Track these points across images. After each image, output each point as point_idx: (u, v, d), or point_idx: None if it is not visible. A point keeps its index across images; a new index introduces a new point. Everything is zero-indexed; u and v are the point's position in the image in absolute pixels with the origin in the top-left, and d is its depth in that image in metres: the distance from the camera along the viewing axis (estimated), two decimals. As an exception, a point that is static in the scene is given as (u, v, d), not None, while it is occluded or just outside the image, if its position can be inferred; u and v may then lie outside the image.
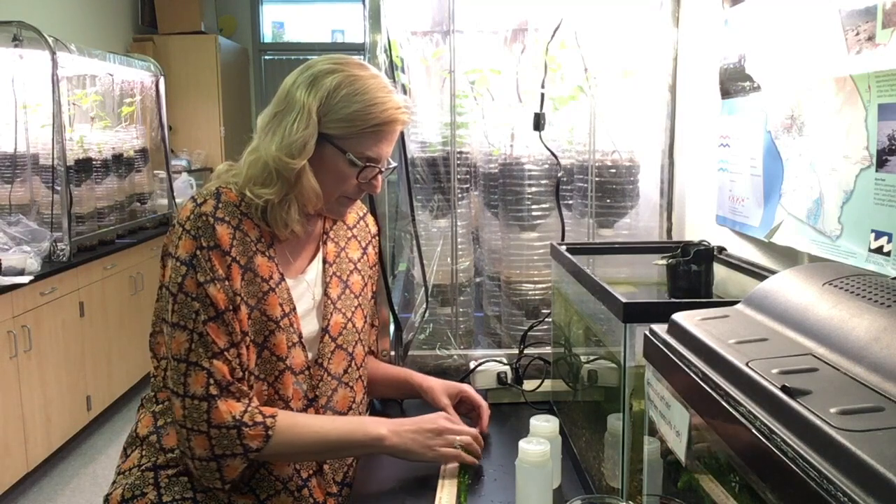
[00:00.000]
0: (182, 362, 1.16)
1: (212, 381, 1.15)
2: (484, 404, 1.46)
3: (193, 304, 1.16)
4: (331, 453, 1.30)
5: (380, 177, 1.30)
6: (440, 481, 1.27)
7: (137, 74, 4.61)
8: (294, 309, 1.27)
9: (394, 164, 1.35)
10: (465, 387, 1.48)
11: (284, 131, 1.21)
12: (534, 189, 1.74)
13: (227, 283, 1.18)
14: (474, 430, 1.34)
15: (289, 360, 1.25)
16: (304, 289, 1.31)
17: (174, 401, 1.18)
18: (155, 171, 4.83)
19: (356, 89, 1.22)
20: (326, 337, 1.32)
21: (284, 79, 1.27)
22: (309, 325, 1.31)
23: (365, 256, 1.44)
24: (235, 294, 1.19)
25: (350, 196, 1.30)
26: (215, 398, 1.15)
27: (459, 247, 1.78)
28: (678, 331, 0.75)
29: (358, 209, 1.46)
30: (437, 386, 1.46)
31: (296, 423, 1.22)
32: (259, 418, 1.18)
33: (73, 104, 3.82)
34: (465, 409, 1.47)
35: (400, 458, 1.28)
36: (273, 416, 1.19)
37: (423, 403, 1.48)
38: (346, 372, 1.35)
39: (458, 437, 1.29)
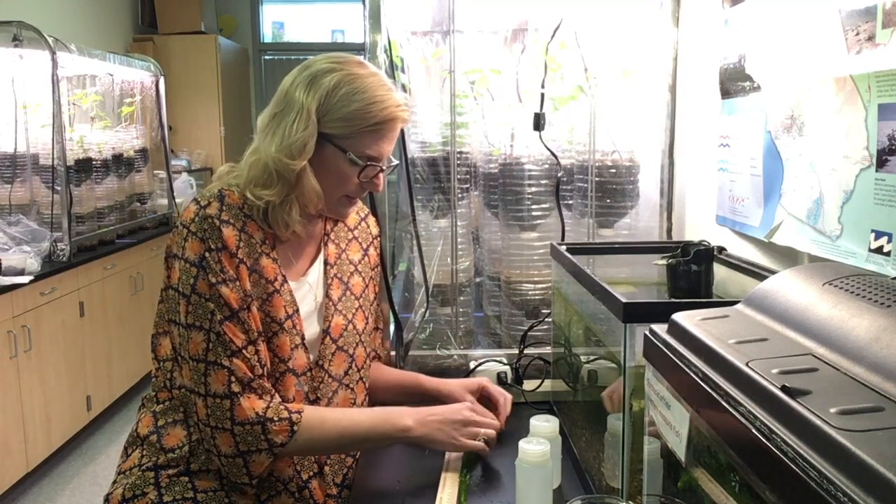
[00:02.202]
0: (201, 362, 1.16)
1: (233, 378, 1.16)
2: (506, 397, 1.45)
3: (208, 304, 1.16)
4: (356, 446, 1.32)
5: (381, 175, 1.29)
6: (442, 476, 1.27)
7: (137, 74, 4.61)
8: (297, 311, 1.27)
9: (395, 163, 1.35)
10: (486, 382, 1.47)
11: (284, 132, 1.20)
12: (534, 189, 1.74)
13: (237, 283, 1.18)
14: (497, 423, 1.36)
15: (291, 361, 1.25)
16: (306, 290, 1.31)
17: (196, 400, 1.18)
18: (155, 171, 4.83)
19: (355, 88, 1.21)
20: (327, 339, 1.32)
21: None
22: (311, 327, 1.31)
23: (366, 258, 1.44)
24: (247, 295, 1.19)
25: (352, 195, 1.30)
26: (238, 395, 1.16)
27: (459, 247, 1.78)
28: (678, 331, 0.75)
29: (359, 210, 1.46)
30: (457, 388, 1.45)
31: (323, 419, 1.23)
32: (284, 414, 1.18)
33: (73, 104, 3.82)
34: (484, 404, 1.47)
35: (424, 447, 1.31)
36: (299, 412, 1.20)
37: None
38: (346, 374, 1.35)
39: (482, 430, 1.31)
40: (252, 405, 1.17)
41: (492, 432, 1.32)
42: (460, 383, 1.47)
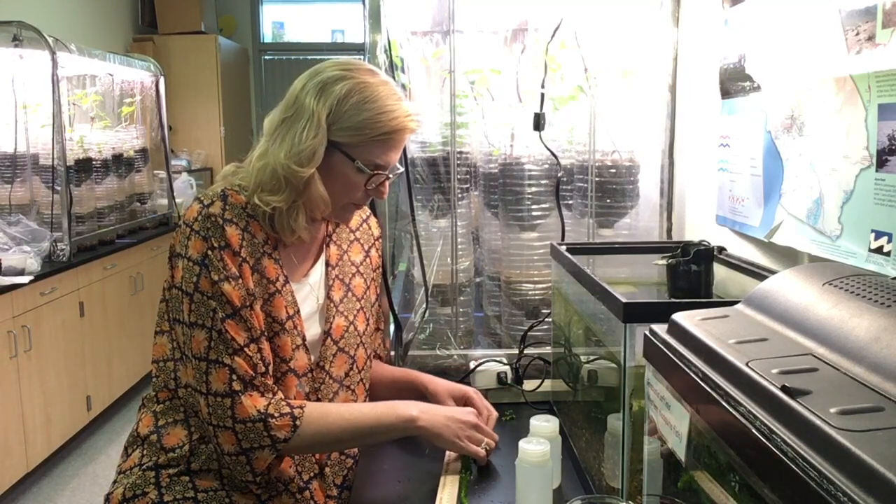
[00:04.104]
0: (203, 360, 1.17)
1: (234, 377, 1.16)
2: (491, 414, 1.43)
3: (210, 302, 1.16)
4: (363, 440, 1.31)
5: (387, 183, 1.29)
6: (442, 477, 1.27)
7: (137, 74, 4.61)
8: (298, 312, 1.27)
9: (400, 170, 1.35)
10: (472, 393, 1.45)
11: (293, 139, 1.20)
12: (534, 189, 1.74)
13: (240, 281, 1.18)
14: (496, 436, 1.36)
15: (292, 362, 1.25)
16: (307, 292, 1.32)
17: (198, 399, 1.18)
18: (155, 171, 4.83)
19: (366, 97, 1.21)
20: (328, 340, 1.32)
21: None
22: (312, 329, 1.31)
23: (367, 259, 1.44)
24: (249, 293, 1.19)
25: (357, 202, 1.30)
26: (239, 394, 1.16)
27: (459, 247, 1.78)
28: (678, 331, 0.75)
29: (361, 211, 1.46)
30: (442, 389, 1.45)
31: (326, 413, 1.22)
32: (286, 409, 1.18)
33: (73, 104, 3.82)
34: None
35: (426, 441, 1.30)
36: (301, 407, 1.20)
37: None
38: (347, 375, 1.35)
39: (486, 438, 1.31)
40: (254, 403, 1.17)
41: (492, 442, 1.33)
42: (445, 387, 1.46)
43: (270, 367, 1.21)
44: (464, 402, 1.44)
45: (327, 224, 1.38)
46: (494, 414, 1.44)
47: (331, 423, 1.22)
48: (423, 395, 1.46)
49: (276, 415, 1.17)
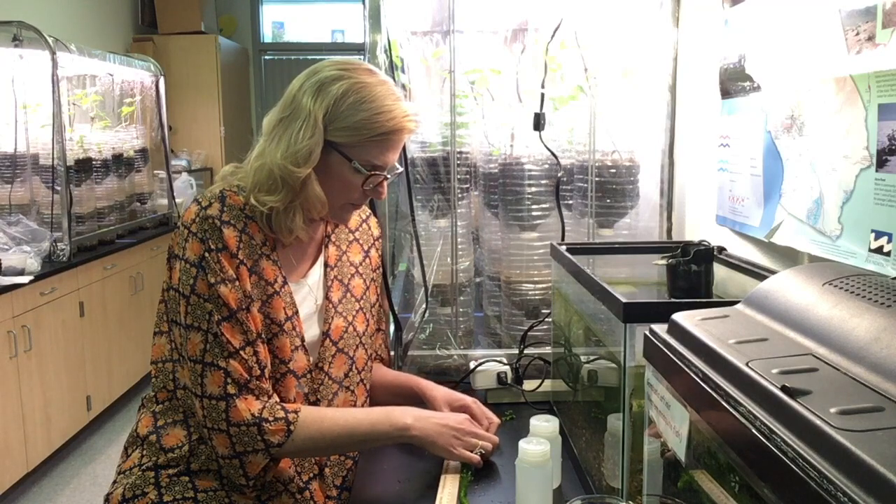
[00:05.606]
0: (198, 363, 1.16)
1: (229, 380, 1.16)
2: (491, 422, 1.42)
3: (206, 305, 1.16)
4: (357, 445, 1.31)
5: (385, 183, 1.29)
6: (442, 477, 1.27)
7: (137, 74, 4.61)
8: (297, 312, 1.27)
9: (399, 170, 1.34)
10: (470, 402, 1.43)
11: (290, 139, 1.19)
12: (534, 189, 1.74)
13: (237, 283, 1.18)
14: (496, 438, 1.35)
15: (291, 363, 1.25)
16: (306, 292, 1.31)
17: (193, 401, 1.18)
18: (155, 171, 4.83)
19: (363, 97, 1.20)
20: (327, 341, 1.32)
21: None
22: (311, 329, 1.31)
23: (367, 260, 1.43)
24: (246, 295, 1.19)
25: (355, 202, 1.30)
26: (233, 397, 1.16)
27: (459, 247, 1.78)
28: (678, 331, 0.75)
29: (361, 212, 1.45)
30: (439, 396, 1.43)
31: (321, 418, 1.22)
32: (280, 414, 1.18)
33: (73, 104, 3.81)
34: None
35: (420, 448, 1.30)
36: (296, 412, 1.19)
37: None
38: (346, 376, 1.34)
39: (480, 442, 1.31)
40: (248, 406, 1.16)
41: (489, 445, 1.32)
42: (443, 393, 1.44)
43: (267, 371, 1.21)
44: (461, 411, 1.41)
45: (326, 224, 1.38)
46: (496, 421, 1.43)
47: (325, 429, 1.22)
48: (420, 400, 1.44)
49: (271, 419, 1.17)
